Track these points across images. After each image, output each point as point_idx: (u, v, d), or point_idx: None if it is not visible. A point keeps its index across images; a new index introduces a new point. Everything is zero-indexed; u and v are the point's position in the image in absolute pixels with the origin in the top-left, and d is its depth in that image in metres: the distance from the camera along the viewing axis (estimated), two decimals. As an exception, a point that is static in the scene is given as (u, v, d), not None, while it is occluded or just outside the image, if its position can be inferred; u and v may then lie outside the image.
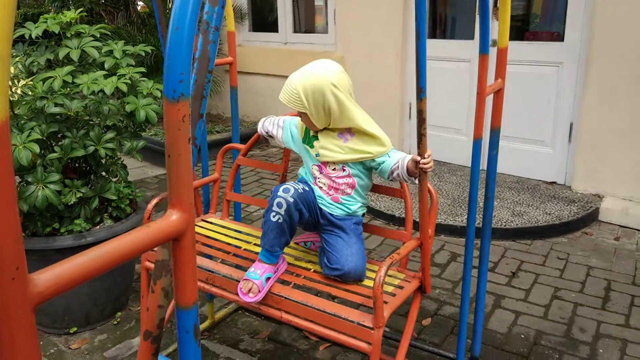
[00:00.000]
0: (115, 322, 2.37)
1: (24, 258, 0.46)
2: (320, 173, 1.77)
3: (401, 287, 1.64)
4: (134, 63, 2.36)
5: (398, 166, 1.65)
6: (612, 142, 3.48)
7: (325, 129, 1.73)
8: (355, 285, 1.65)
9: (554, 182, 3.88)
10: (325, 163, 1.75)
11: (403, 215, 3.34)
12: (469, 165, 1.72)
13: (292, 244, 1.93)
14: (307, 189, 1.74)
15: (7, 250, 0.43)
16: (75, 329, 2.30)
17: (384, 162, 1.69)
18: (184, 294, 0.66)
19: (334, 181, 1.75)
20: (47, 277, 0.50)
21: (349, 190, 1.76)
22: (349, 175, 1.74)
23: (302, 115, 1.71)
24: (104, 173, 2.34)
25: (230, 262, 1.80)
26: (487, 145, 1.77)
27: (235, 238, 1.99)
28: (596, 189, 3.61)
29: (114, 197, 2.27)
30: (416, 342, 2.13)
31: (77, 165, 2.33)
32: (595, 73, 3.46)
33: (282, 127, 1.91)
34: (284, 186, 1.65)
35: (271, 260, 1.66)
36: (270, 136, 1.96)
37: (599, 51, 3.42)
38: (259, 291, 1.60)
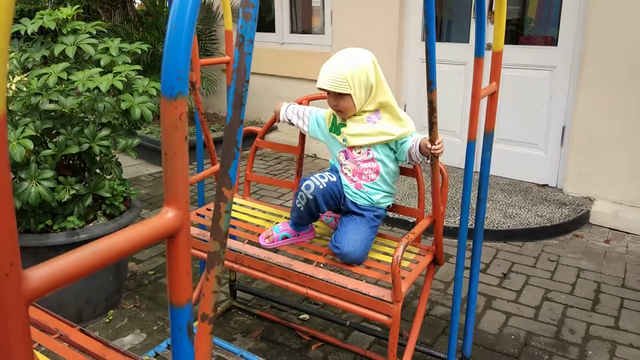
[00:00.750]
0: (107, 320, 2.37)
1: (18, 254, 0.46)
2: (346, 159, 1.86)
3: (416, 262, 1.78)
4: (130, 61, 2.35)
5: (413, 146, 1.75)
6: (603, 146, 3.51)
7: (354, 115, 1.81)
8: (375, 262, 1.78)
9: (546, 185, 3.91)
10: (351, 148, 1.84)
11: (397, 217, 3.36)
12: (463, 167, 1.74)
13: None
14: (333, 179, 1.86)
15: (1, 246, 0.44)
16: (67, 326, 2.29)
17: (405, 141, 1.79)
18: (177, 292, 0.66)
19: (359, 165, 1.84)
20: (42, 273, 0.50)
21: (373, 176, 1.84)
22: (373, 160, 1.83)
23: (342, 97, 1.75)
24: (98, 170, 2.34)
25: (256, 242, 1.91)
26: (481, 148, 1.79)
27: (259, 217, 2.13)
28: (587, 192, 3.64)
29: (108, 195, 2.27)
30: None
31: (71, 162, 2.32)
32: (587, 77, 3.49)
33: (307, 117, 2.01)
34: (306, 182, 1.81)
35: (295, 228, 1.92)
36: (291, 124, 2.07)
37: (592, 56, 3.45)
38: (273, 242, 1.88)
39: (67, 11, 2.26)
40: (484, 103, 1.69)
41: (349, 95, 1.74)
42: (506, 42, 3.38)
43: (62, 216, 2.19)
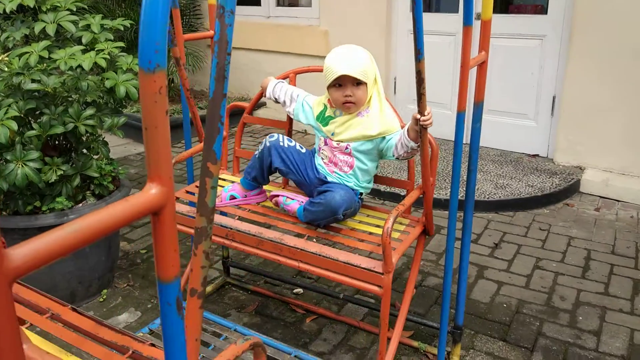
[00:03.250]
0: (101, 300, 2.37)
1: (-1, 233, 0.45)
2: (325, 145, 1.87)
3: (407, 233, 1.79)
4: (112, 38, 2.30)
5: (400, 136, 1.71)
6: (593, 115, 3.52)
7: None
8: (366, 235, 1.78)
9: (537, 155, 3.92)
10: (329, 137, 1.84)
11: (387, 190, 3.36)
12: (453, 139, 1.73)
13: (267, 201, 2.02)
14: (302, 150, 1.90)
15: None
16: (61, 307, 2.29)
17: (391, 138, 1.76)
18: (165, 268, 0.65)
19: (335, 155, 1.85)
20: (24, 251, 0.49)
21: (346, 169, 1.84)
22: (349, 154, 1.82)
23: (358, 87, 1.73)
24: (84, 150, 2.31)
25: (247, 219, 1.89)
26: (471, 119, 1.78)
27: None
28: (578, 161, 3.66)
29: (96, 175, 2.24)
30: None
31: (57, 142, 2.29)
32: (577, 46, 3.47)
33: (295, 100, 1.98)
34: (272, 134, 1.88)
35: (243, 184, 1.95)
36: (277, 102, 2.05)
37: (582, 24, 3.42)
38: (221, 201, 1.94)
39: (45, -13, 2.19)
40: (473, 74, 1.67)
41: (365, 85, 1.73)
42: (495, 11, 3.34)
43: (50, 197, 2.17)
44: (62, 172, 2.13)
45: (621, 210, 3.24)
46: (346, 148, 1.82)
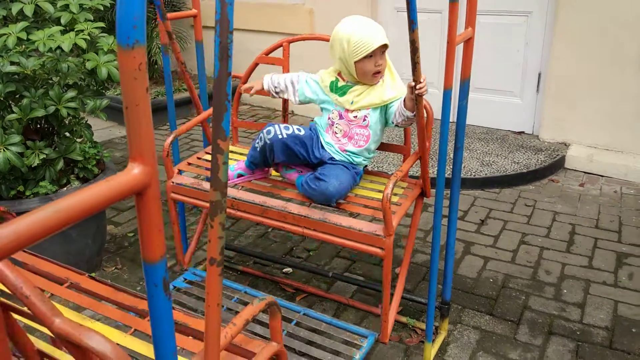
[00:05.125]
0: (89, 284, 2.36)
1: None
2: (340, 118, 1.87)
3: (405, 196, 1.85)
4: (92, 18, 2.26)
5: (399, 105, 1.75)
6: (578, 91, 3.53)
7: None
8: (367, 200, 1.83)
9: (522, 132, 3.94)
10: (348, 110, 1.84)
11: (376, 169, 3.37)
12: (440, 117, 1.73)
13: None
14: (300, 133, 1.83)
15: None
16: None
17: (393, 104, 1.80)
18: (150, 249, 0.65)
19: (351, 129, 1.86)
20: (5, 233, 0.49)
21: (362, 142, 1.86)
22: (367, 127, 1.84)
23: (383, 55, 1.78)
24: (67, 133, 2.28)
25: (250, 188, 1.95)
26: (457, 96, 1.77)
27: None
28: (563, 138, 3.69)
29: (80, 158, 2.21)
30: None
31: (38, 126, 2.25)
32: (563, 23, 3.47)
33: (296, 82, 1.97)
34: (269, 127, 1.82)
35: (249, 167, 1.96)
36: (277, 92, 2.02)
37: (567, 1, 3.41)
38: (229, 179, 1.92)
39: (21, -34, 2.13)
40: (460, 52, 1.66)
41: (386, 51, 1.78)
42: (481, -13, 3.31)
43: (33, 182, 2.14)
44: (44, 156, 2.10)
45: (605, 186, 3.28)
46: (364, 120, 1.83)
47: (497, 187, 3.27)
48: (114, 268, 2.48)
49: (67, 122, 2.25)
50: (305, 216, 1.73)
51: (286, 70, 2.13)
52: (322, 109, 1.94)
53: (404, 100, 1.71)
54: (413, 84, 1.57)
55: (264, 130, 1.83)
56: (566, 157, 3.53)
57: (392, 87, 1.82)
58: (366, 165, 1.97)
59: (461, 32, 1.62)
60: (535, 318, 2.12)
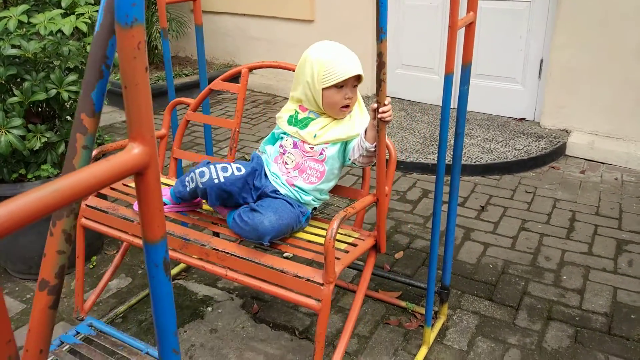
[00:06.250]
0: (91, 267, 2.38)
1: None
2: (294, 147, 1.67)
3: (355, 245, 1.58)
4: (92, 1, 2.24)
5: (358, 139, 1.58)
6: (580, 78, 3.52)
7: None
8: (306, 243, 1.60)
9: (524, 119, 3.93)
10: (304, 141, 1.65)
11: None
12: (440, 104, 1.72)
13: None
14: (239, 173, 1.57)
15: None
16: (50, 275, 2.29)
17: (352, 141, 1.64)
18: (151, 229, 0.65)
19: (305, 162, 1.66)
20: (2, 212, 0.49)
21: (314, 179, 1.66)
22: (323, 161, 1.65)
23: (355, 88, 1.62)
24: (68, 117, 2.28)
25: (175, 219, 1.73)
26: (459, 81, 1.77)
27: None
28: (564, 125, 3.68)
29: (81, 142, 2.21)
30: (389, 274, 2.20)
31: (39, 109, 2.25)
32: (565, 9, 3.44)
33: (269, 139, 1.79)
34: (202, 169, 1.57)
35: (174, 199, 1.75)
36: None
37: (571, -16, 3.38)
38: None
39: (20, -52, 2.12)
40: (461, 37, 1.65)
41: (358, 85, 1.63)
42: (484, -28, 3.28)
43: (35, 165, 2.15)
44: (46, 139, 2.10)
45: (606, 173, 3.28)
46: (321, 154, 1.64)
47: (498, 174, 3.27)
48: (115, 251, 2.49)
49: (68, 105, 2.25)
50: (231, 254, 1.48)
51: (241, 99, 1.94)
52: (274, 135, 1.77)
53: (365, 130, 1.52)
54: (375, 105, 1.39)
55: (197, 172, 1.57)
56: (567, 144, 3.52)
57: (361, 123, 1.63)
58: (315, 207, 1.74)
59: (463, 17, 1.61)
60: (534, 304, 2.13)
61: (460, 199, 2.93)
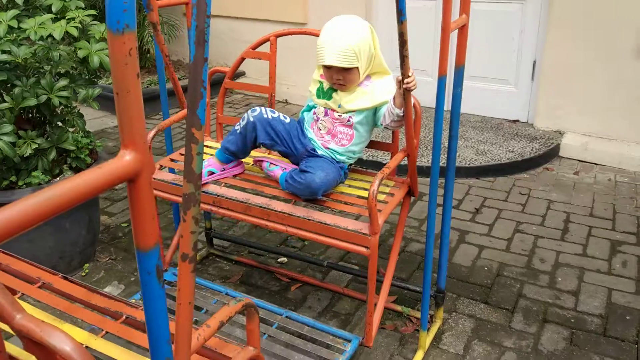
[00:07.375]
0: (83, 274, 2.36)
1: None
2: (325, 115, 1.83)
3: (392, 194, 1.80)
4: (83, 6, 2.23)
5: (389, 104, 1.70)
6: (573, 80, 3.53)
7: None
8: (353, 198, 1.80)
9: (517, 120, 3.94)
10: (333, 110, 1.80)
11: (371, 159, 3.36)
12: (434, 106, 1.72)
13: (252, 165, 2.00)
14: (286, 120, 1.85)
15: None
16: (42, 282, 2.27)
17: (382, 107, 1.75)
18: (143, 236, 0.64)
19: (335, 127, 1.82)
20: (-4, 220, 0.48)
21: (344, 142, 1.82)
22: (351, 126, 1.80)
23: (348, 71, 1.69)
24: (59, 123, 2.25)
25: (234, 185, 1.89)
26: (452, 83, 1.76)
27: None
28: (557, 126, 3.69)
29: (72, 148, 2.20)
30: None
31: (30, 115, 2.23)
32: (558, 10, 3.46)
33: (305, 108, 1.93)
34: (255, 107, 1.83)
35: (220, 158, 1.89)
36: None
37: (562, -14, 3.40)
38: None
39: (10, -48, 2.10)
40: (454, 40, 1.65)
41: (356, 68, 1.70)
42: (476, -25, 3.29)
43: (26, 172, 2.13)
44: (37, 146, 2.08)
45: (599, 174, 3.29)
46: (348, 120, 1.79)
47: (492, 176, 3.28)
48: (108, 258, 2.47)
49: (59, 111, 2.23)
50: (289, 214, 1.70)
51: (273, 65, 2.09)
52: (309, 102, 1.93)
53: (393, 98, 1.66)
54: (401, 77, 1.53)
55: (250, 110, 1.83)
56: (561, 145, 3.53)
57: (383, 90, 1.76)
58: (351, 164, 1.92)
59: (455, 19, 1.61)
60: (529, 306, 2.13)
61: (454, 201, 2.93)
